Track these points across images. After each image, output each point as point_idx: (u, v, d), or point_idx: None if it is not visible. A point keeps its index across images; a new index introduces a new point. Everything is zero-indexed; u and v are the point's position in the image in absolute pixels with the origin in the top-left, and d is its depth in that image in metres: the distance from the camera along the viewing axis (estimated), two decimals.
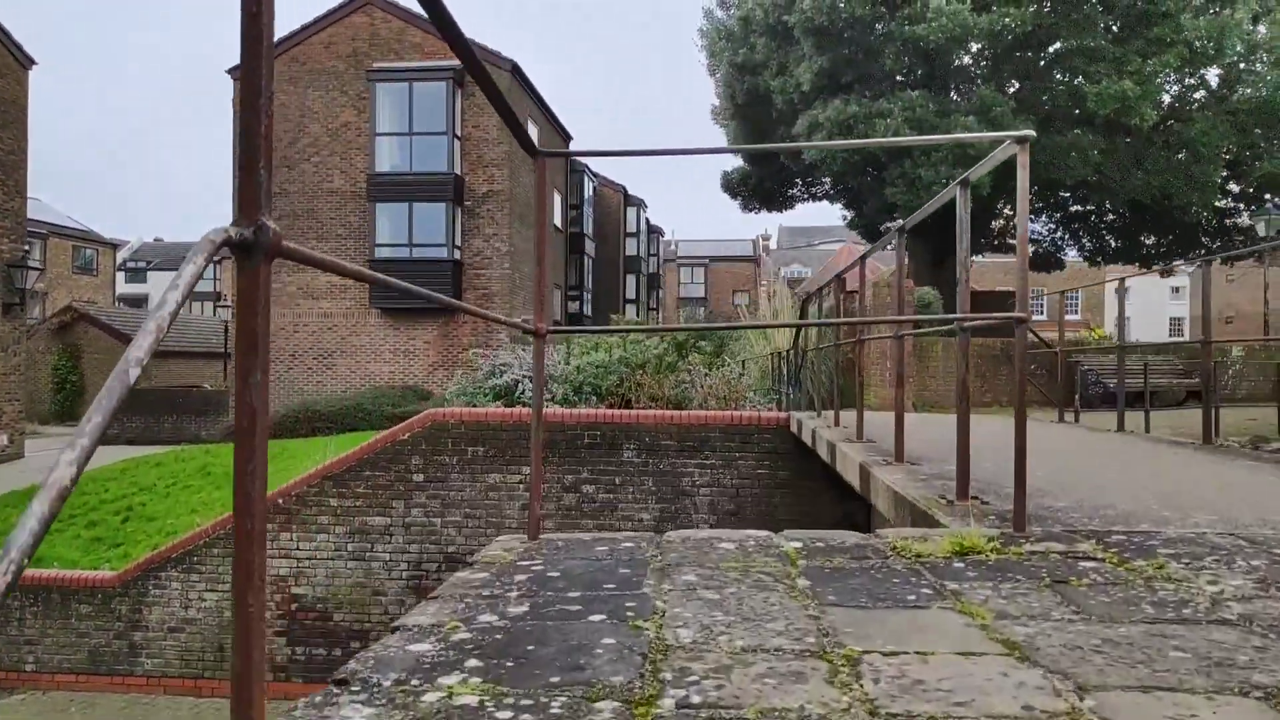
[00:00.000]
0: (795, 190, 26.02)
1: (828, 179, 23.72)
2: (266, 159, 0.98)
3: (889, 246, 4.97)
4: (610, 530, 9.59)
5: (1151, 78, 18.19)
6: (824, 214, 75.66)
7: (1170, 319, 53.24)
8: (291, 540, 10.00)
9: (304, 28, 22.70)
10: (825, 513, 9.31)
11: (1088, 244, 25.64)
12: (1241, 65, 18.82)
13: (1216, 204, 21.40)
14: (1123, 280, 6.60)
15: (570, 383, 11.68)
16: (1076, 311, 46.77)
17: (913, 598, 2.12)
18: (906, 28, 17.93)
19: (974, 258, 17.02)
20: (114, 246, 49.65)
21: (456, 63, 22.29)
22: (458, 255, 22.37)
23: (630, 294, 41.14)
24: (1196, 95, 20.66)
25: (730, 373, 12.75)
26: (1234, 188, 21.83)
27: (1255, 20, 18.45)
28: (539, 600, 2.09)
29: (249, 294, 1.00)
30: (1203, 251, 24.28)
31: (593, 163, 35.96)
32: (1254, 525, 2.90)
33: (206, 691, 10.05)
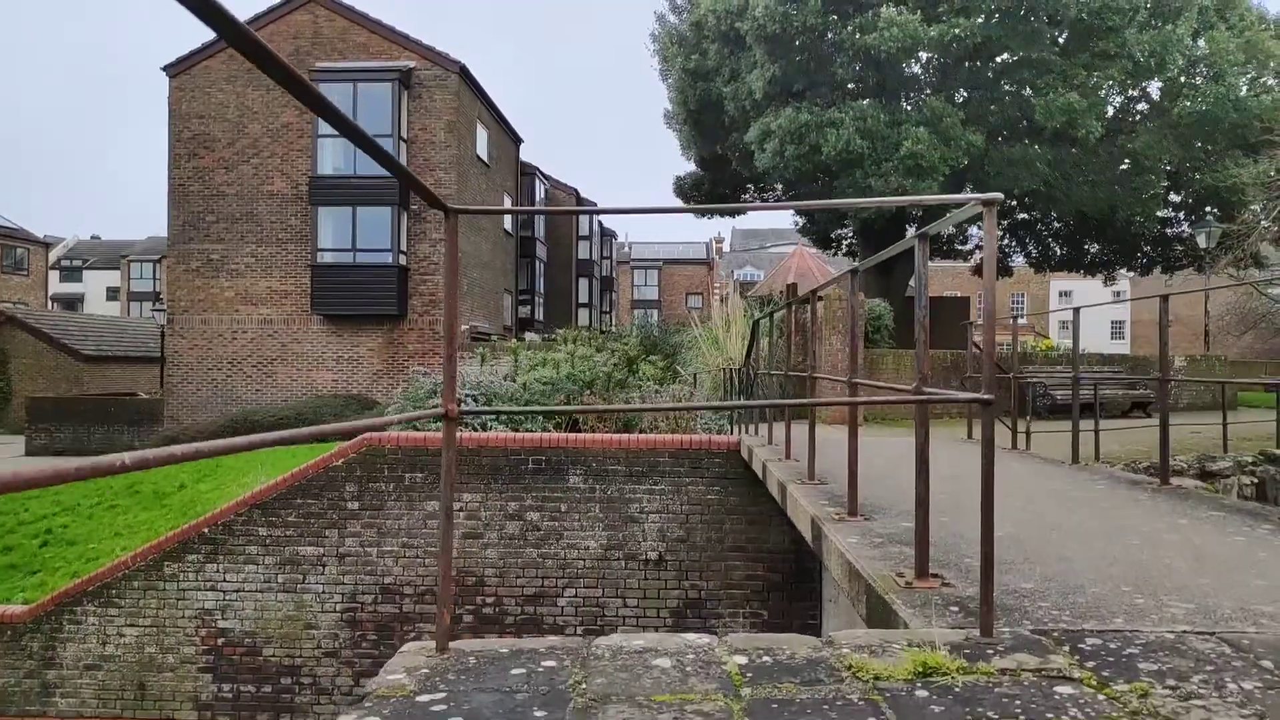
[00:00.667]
0: (747, 196, 25.92)
1: (779, 186, 23.63)
2: None
3: (840, 285, 4.71)
4: (533, 633, 9.24)
5: (1096, 90, 18.41)
6: (776, 216, 76.04)
7: (1111, 322, 54.70)
8: (218, 572, 9.46)
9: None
10: (774, 539, 9.09)
11: (1034, 251, 26.07)
12: (1183, 79, 19.14)
13: (1158, 214, 21.77)
14: (1077, 311, 6.46)
15: (516, 401, 11.30)
16: (1023, 315, 47.57)
17: None
18: (858, 37, 17.87)
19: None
20: (46, 245, 47.88)
21: (403, 64, 21.70)
22: (403, 261, 21.78)
23: (584, 298, 40.75)
24: (1139, 108, 21.01)
25: (681, 392, 12.48)
26: (1175, 198, 22.24)
27: (1196, 36, 18.78)
28: None
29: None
30: (1143, 260, 24.77)
31: (544, 165, 35.50)
32: (1234, 617, 2.70)
33: None
